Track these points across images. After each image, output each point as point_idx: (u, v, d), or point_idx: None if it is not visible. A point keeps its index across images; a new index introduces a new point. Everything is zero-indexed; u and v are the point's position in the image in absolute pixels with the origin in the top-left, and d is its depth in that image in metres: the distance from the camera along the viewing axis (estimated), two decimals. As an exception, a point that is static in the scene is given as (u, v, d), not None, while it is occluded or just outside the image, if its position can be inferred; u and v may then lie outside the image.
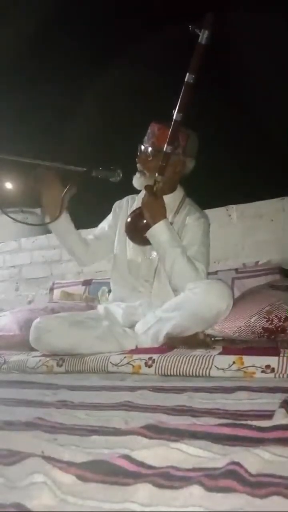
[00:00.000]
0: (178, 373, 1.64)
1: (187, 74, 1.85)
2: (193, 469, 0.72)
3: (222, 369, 1.57)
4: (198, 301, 1.90)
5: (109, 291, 2.47)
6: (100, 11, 4.92)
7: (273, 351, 1.61)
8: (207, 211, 2.47)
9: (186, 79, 1.86)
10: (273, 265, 2.85)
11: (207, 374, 1.58)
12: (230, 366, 1.56)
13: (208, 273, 2.30)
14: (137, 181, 2.21)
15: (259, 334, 1.83)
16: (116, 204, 2.47)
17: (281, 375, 1.47)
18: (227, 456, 0.74)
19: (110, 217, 2.45)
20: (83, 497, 0.65)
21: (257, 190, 3.42)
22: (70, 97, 5.40)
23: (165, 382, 1.50)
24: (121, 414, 1.08)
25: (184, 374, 1.62)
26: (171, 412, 1.08)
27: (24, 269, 4.11)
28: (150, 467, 0.74)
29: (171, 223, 2.16)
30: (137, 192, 2.37)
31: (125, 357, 1.82)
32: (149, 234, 2.12)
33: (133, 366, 1.76)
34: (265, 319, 1.82)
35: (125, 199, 2.47)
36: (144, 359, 1.75)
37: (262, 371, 1.50)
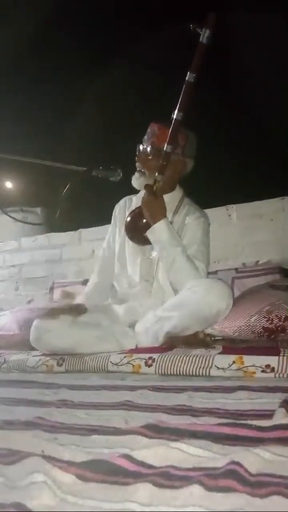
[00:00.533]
0: (178, 373, 1.64)
1: (188, 73, 1.85)
2: (193, 469, 0.72)
3: (222, 368, 1.57)
4: (198, 300, 1.90)
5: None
6: (100, 11, 4.92)
7: (273, 351, 1.61)
8: (207, 210, 2.47)
9: (187, 78, 1.86)
10: (273, 264, 2.84)
11: (207, 374, 1.58)
12: (230, 366, 1.56)
13: (208, 273, 2.30)
14: (136, 180, 2.21)
15: (259, 334, 1.83)
16: (116, 208, 2.48)
17: (281, 375, 1.47)
18: (227, 455, 0.74)
19: (112, 221, 2.46)
20: (83, 496, 0.65)
21: (257, 190, 3.41)
22: (70, 97, 5.39)
23: (165, 381, 1.50)
24: (121, 414, 1.09)
25: (184, 373, 1.62)
26: (171, 411, 1.08)
27: (24, 269, 4.11)
28: (150, 466, 0.74)
29: (171, 223, 2.16)
30: (136, 192, 2.37)
31: (125, 357, 1.82)
32: (149, 233, 2.12)
33: (133, 365, 1.76)
34: (265, 319, 1.82)
35: (122, 200, 2.47)
36: (144, 359, 1.75)
37: (262, 371, 1.50)
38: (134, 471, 0.72)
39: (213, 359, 1.61)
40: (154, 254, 2.21)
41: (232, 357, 1.59)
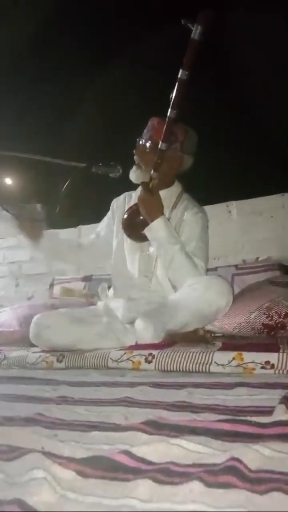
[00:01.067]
0: (178, 369, 1.64)
1: (180, 70, 1.83)
2: (193, 465, 0.72)
3: (222, 365, 1.57)
4: (198, 297, 1.90)
5: (109, 287, 2.47)
6: (100, 11, 4.91)
7: (273, 347, 1.61)
8: (207, 207, 2.47)
9: (179, 76, 1.84)
10: (273, 261, 2.85)
11: (207, 370, 1.58)
12: (230, 362, 1.56)
13: (208, 270, 2.30)
14: (134, 174, 2.20)
15: (259, 330, 1.83)
16: (114, 201, 2.47)
17: (280, 371, 1.47)
18: (227, 452, 0.74)
19: (109, 214, 2.45)
20: (83, 493, 0.65)
21: (257, 187, 3.41)
22: (70, 94, 5.39)
23: (165, 378, 1.50)
24: (121, 410, 1.09)
25: (184, 370, 1.62)
26: (171, 408, 1.08)
27: (24, 265, 4.11)
28: (150, 463, 0.74)
29: (168, 219, 2.16)
30: (135, 188, 2.37)
31: (125, 353, 1.82)
32: (147, 231, 2.11)
33: (133, 362, 1.76)
34: (265, 315, 1.82)
35: (122, 196, 2.46)
36: (144, 355, 1.75)
37: (262, 367, 1.50)
38: (134, 467, 0.72)
39: (212, 356, 1.61)
40: (152, 249, 2.21)
41: (232, 354, 1.59)
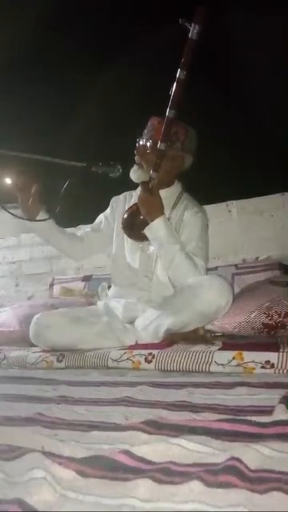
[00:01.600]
0: (178, 369, 1.64)
1: (178, 70, 1.82)
2: (193, 465, 0.72)
3: (222, 364, 1.57)
4: (198, 297, 1.90)
5: (109, 287, 2.47)
6: (100, 11, 4.91)
7: (273, 347, 1.61)
8: (207, 206, 2.47)
9: (177, 75, 1.83)
10: (273, 261, 2.85)
11: (207, 370, 1.58)
12: (230, 362, 1.56)
13: (208, 269, 2.30)
14: (134, 173, 2.20)
15: (259, 330, 1.83)
16: (114, 199, 2.47)
17: (280, 371, 1.47)
18: (227, 451, 0.74)
19: (107, 211, 2.45)
20: (83, 492, 0.65)
21: (257, 186, 3.41)
22: (70, 93, 5.39)
23: (165, 377, 1.51)
24: (121, 410, 1.09)
25: (184, 369, 1.62)
26: (171, 407, 1.08)
27: (24, 265, 4.11)
28: (150, 462, 0.74)
29: (168, 218, 2.16)
30: (135, 188, 2.37)
31: (125, 353, 1.82)
32: (147, 231, 2.11)
33: (133, 361, 1.76)
34: (265, 315, 1.82)
35: (122, 195, 2.46)
36: (144, 355, 1.75)
37: (262, 367, 1.50)
38: (134, 467, 0.72)
39: (212, 355, 1.61)
40: (152, 249, 2.20)
41: (232, 353, 1.59)
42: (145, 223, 2.11)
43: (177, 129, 2.10)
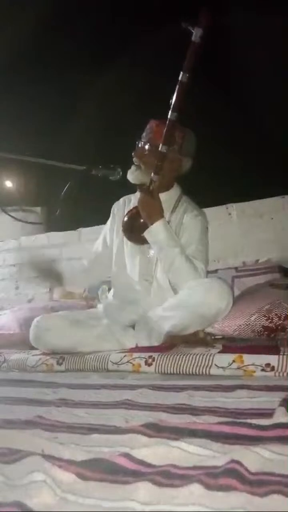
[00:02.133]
0: (178, 372, 1.64)
1: (181, 73, 1.83)
2: (193, 468, 0.72)
3: (222, 367, 1.57)
4: (198, 299, 1.90)
5: (109, 289, 2.47)
6: (100, 11, 4.92)
7: (273, 350, 1.61)
8: (207, 209, 2.47)
9: (180, 78, 1.84)
10: (273, 263, 2.84)
11: (207, 373, 1.58)
12: (230, 365, 1.56)
13: (208, 272, 2.30)
14: (132, 174, 2.19)
15: (259, 333, 1.83)
16: (114, 205, 2.47)
17: (281, 374, 1.47)
18: (227, 454, 0.74)
19: (108, 223, 2.44)
20: (83, 495, 0.65)
21: (257, 189, 3.42)
22: (70, 96, 5.40)
23: (165, 380, 1.51)
24: (121, 413, 1.09)
25: (184, 372, 1.62)
26: (171, 410, 1.08)
27: (24, 268, 4.11)
28: (150, 465, 0.74)
29: (168, 222, 2.15)
30: (135, 191, 2.37)
31: (125, 356, 1.82)
32: (147, 234, 2.11)
33: (133, 364, 1.76)
34: (265, 318, 1.82)
35: (121, 199, 2.46)
36: (144, 358, 1.75)
37: (262, 370, 1.50)
38: (134, 470, 0.72)
39: (213, 358, 1.61)
40: (153, 252, 2.20)
41: (232, 356, 1.59)
42: (145, 226, 2.11)
43: (175, 132, 2.10)
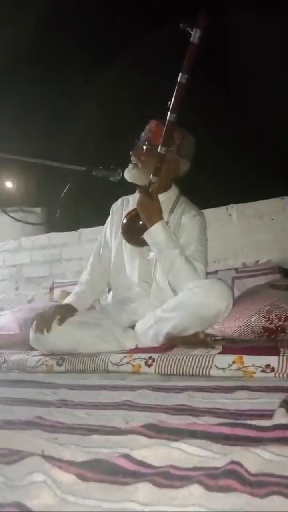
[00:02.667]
0: (178, 373, 1.64)
1: (180, 74, 1.83)
2: (193, 469, 0.72)
3: (222, 368, 1.57)
4: (198, 301, 1.90)
5: (109, 290, 2.47)
6: (100, 11, 4.92)
7: (273, 351, 1.61)
8: (207, 210, 2.47)
9: (178, 79, 1.84)
10: (273, 264, 2.85)
11: (207, 374, 1.58)
12: (230, 366, 1.56)
13: (208, 273, 2.29)
14: (129, 172, 2.18)
15: (259, 334, 1.83)
16: (113, 206, 2.46)
17: (281, 375, 1.47)
18: (227, 455, 0.74)
19: (107, 224, 2.43)
20: (83, 496, 0.65)
21: (257, 190, 3.42)
22: (70, 96, 5.40)
23: (165, 381, 1.50)
24: (121, 414, 1.08)
25: (184, 373, 1.62)
26: (171, 411, 1.08)
27: (24, 268, 4.11)
28: (150, 466, 0.74)
29: (167, 223, 2.15)
30: (134, 192, 2.37)
31: (125, 357, 1.82)
32: (146, 235, 2.11)
33: (133, 365, 1.76)
34: (265, 319, 1.82)
35: (119, 200, 2.45)
36: (144, 359, 1.75)
37: (262, 371, 1.50)
38: (134, 471, 0.72)
39: (213, 359, 1.61)
40: (152, 254, 2.20)
41: (232, 357, 1.59)
42: (144, 228, 2.10)
43: (173, 133, 2.10)
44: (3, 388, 1.60)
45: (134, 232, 2.17)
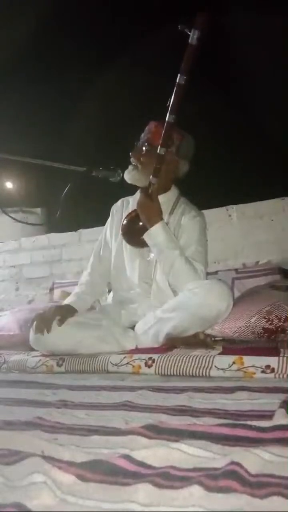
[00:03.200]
0: (178, 373, 1.64)
1: (178, 75, 1.83)
2: (193, 469, 0.72)
3: (222, 369, 1.57)
4: (198, 301, 1.90)
5: (109, 291, 2.47)
6: (100, 11, 4.92)
7: (273, 351, 1.61)
8: (207, 211, 2.47)
9: (177, 81, 1.84)
10: (273, 265, 2.85)
11: (207, 374, 1.58)
12: (230, 366, 1.56)
13: (208, 273, 2.29)
14: (129, 174, 2.18)
15: (259, 334, 1.83)
16: (113, 207, 2.46)
17: (281, 375, 1.47)
18: (227, 456, 0.74)
19: (107, 225, 2.43)
20: (83, 497, 0.65)
21: (257, 190, 3.42)
22: (70, 97, 5.40)
23: (165, 382, 1.50)
24: (121, 414, 1.08)
25: (184, 374, 1.62)
26: (171, 412, 1.08)
27: (24, 269, 4.11)
28: (150, 467, 0.74)
29: (167, 223, 2.15)
30: (132, 193, 2.37)
31: (125, 357, 1.82)
32: (146, 236, 2.11)
33: (133, 366, 1.76)
34: (265, 319, 1.82)
35: (119, 201, 2.45)
36: (144, 359, 1.75)
37: (262, 371, 1.50)
38: (134, 472, 0.72)
39: (213, 360, 1.61)
40: (152, 255, 2.20)
41: (232, 358, 1.59)
42: (144, 229, 2.10)
43: (172, 134, 2.09)
44: (3, 388, 1.60)
45: (134, 233, 2.17)
